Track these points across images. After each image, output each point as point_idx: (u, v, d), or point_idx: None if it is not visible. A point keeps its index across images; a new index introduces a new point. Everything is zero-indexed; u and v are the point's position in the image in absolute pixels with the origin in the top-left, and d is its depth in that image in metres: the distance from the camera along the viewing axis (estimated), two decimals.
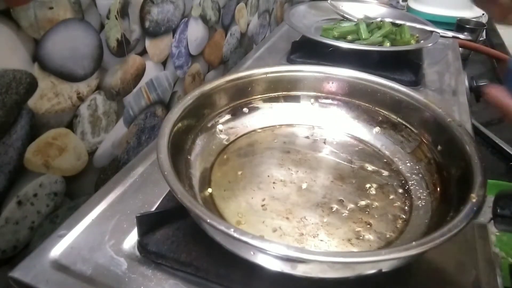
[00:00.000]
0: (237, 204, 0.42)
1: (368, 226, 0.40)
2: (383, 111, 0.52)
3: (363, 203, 0.43)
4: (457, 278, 0.37)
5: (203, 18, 0.70)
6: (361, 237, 0.39)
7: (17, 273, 0.36)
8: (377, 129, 0.53)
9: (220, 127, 0.51)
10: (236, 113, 0.53)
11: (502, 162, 0.78)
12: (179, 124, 0.42)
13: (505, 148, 0.78)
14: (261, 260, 0.31)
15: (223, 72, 0.84)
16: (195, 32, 0.69)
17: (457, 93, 0.71)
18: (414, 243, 0.29)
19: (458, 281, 0.37)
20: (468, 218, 0.31)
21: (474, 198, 0.32)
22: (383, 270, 0.31)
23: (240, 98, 0.53)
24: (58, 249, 0.38)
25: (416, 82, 0.71)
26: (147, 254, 0.37)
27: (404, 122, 0.50)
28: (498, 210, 0.32)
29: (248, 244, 0.28)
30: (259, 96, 0.54)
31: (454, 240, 0.40)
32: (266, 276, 0.33)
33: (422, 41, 0.79)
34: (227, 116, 0.52)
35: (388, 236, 0.39)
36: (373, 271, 0.31)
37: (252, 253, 0.31)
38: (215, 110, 0.50)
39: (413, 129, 0.49)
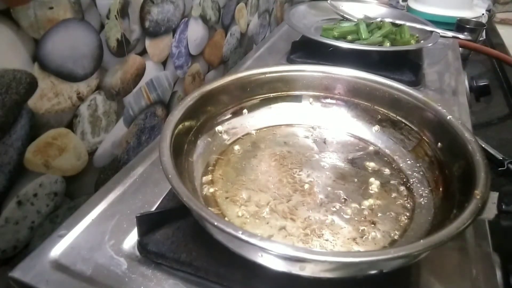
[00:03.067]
0: (240, 205, 0.42)
1: (372, 225, 0.40)
2: (382, 109, 0.52)
3: (365, 202, 0.43)
4: (457, 278, 0.37)
5: (203, 18, 0.70)
6: (365, 236, 0.39)
7: (17, 273, 0.36)
8: (376, 127, 0.53)
9: (220, 128, 0.51)
10: (236, 113, 0.53)
11: (491, 169, 0.77)
12: (180, 126, 0.42)
13: (493, 153, 0.77)
14: (268, 261, 0.31)
15: (223, 72, 0.84)
16: (195, 32, 0.69)
17: (457, 93, 0.71)
18: (422, 241, 0.29)
19: (458, 281, 0.37)
20: (474, 215, 0.31)
21: (478, 194, 0.33)
22: (391, 269, 0.31)
23: (240, 99, 0.53)
24: (58, 249, 0.38)
25: (416, 82, 0.71)
26: (147, 254, 0.37)
27: (403, 120, 0.50)
28: (503, 206, 0.32)
29: (256, 246, 0.29)
30: (259, 96, 0.54)
31: (454, 240, 0.40)
32: (267, 276, 0.33)
33: (422, 41, 0.79)
34: (228, 117, 0.52)
35: (392, 234, 0.39)
36: (385, 269, 0.31)
37: (260, 255, 0.31)
38: (216, 111, 0.50)
39: (413, 127, 0.49)
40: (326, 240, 0.38)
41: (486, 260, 0.39)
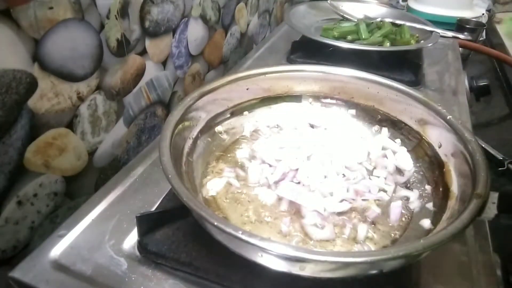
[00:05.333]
0: (240, 205, 0.42)
1: (373, 225, 0.40)
2: (382, 109, 0.52)
3: (365, 202, 0.43)
4: (457, 278, 0.37)
5: (203, 18, 0.70)
6: (366, 236, 0.39)
7: (17, 273, 0.36)
8: (376, 127, 0.52)
9: (220, 128, 0.51)
10: (236, 113, 0.52)
11: (491, 169, 0.76)
12: (180, 126, 0.42)
13: (493, 153, 0.76)
14: (268, 261, 0.31)
15: (223, 72, 0.84)
16: (195, 32, 0.69)
17: (457, 93, 0.71)
18: (422, 241, 0.29)
19: (458, 281, 0.37)
20: (474, 215, 0.31)
21: (478, 194, 0.33)
22: (391, 269, 0.31)
23: (240, 99, 0.53)
24: (58, 249, 0.38)
25: (416, 82, 0.71)
26: (147, 254, 0.37)
27: (403, 120, 0.50)
28: (503, 206, 0.32)
29: (256, 246, 0.29)
30: (259, 96, 0.54)
31: (454, 240, 0.40)
32: (267, 276, 0.33)
33: (422, 41, 0.79)
34: (227, 117, 0.52)
35: (392, 234, 0.39)
36: (384, 269, 0.31)
37: (260, 255, 0.31)
38: (215, 111, 0.50)
39: (413, 127, 0.49)
40: (326, 240, 0.38)
41: (486, 260, 0.39)
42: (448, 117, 0.44)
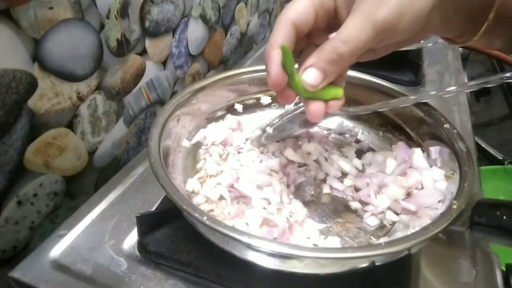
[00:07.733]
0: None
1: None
2: (383, 113, 0.51)
3: (359, 204, 0.43)
4: (457, 278, 0.37)
5: (203, 18, 0.70)
6: (355, 237, 0.39)
7: (17, 273, 0.36)
8: (377, 130, 0.52)
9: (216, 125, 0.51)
10: (231, 110, 0.52)
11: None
12: (175, 117, 0.43)
13: (493, 153, 0.76)
14: (234, 250, 0.32)
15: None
16: (195, 32, 0.69)
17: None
18: (383, 243, 0.30)
19: (458, 281, 0.37)
20: (445, 225, 0.30)
21: (455, 204, 0.32)
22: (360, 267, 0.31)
23: (238, 96, 0.52)
24: (58, 249, 0.38)
25: (416, 82, 0.71)
26: (147, 254, 0.37)
27: (403, 126, 0.49)
28: (475, 218, 0.31)
29: (219, 232, 0.29)
30: (258, 94, 0.54)
31: (454, 241, 0.40)
32: (265, 276, 0.33)
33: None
34: (223, 112, 0.52)
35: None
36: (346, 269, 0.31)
37: (226, 242, 0.31)
38: (212, 105, 0.50)
39: (412, 133, 0.48)
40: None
41: (486, 260, 0.39)
42: (444, 125, 0.43)
